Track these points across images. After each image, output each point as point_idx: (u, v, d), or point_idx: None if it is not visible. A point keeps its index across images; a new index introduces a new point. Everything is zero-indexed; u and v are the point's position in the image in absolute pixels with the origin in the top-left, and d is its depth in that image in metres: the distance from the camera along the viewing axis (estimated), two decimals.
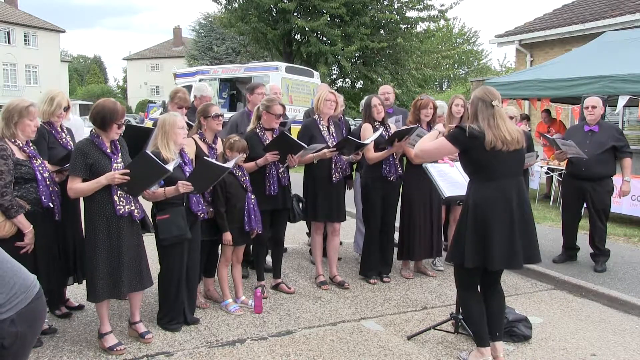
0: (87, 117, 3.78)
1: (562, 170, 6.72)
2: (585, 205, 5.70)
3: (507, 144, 3.20)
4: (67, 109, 4.01)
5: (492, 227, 3.22)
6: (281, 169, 4.59)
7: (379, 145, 4.81)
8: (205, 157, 4.01)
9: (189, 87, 14.80)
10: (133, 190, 3.45)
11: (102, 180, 3.33)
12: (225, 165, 3.88)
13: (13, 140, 3.44)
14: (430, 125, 5.19)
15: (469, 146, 3.25)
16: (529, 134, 4.75)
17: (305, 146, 4.49)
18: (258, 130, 4.59)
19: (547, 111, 10.30)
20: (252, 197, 4.30)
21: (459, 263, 3.37)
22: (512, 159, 3.27)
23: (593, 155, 5.36)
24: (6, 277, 1.87)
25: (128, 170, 3.36)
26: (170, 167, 3.44)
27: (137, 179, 3.38)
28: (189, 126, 4.32)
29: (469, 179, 3.47)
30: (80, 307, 4.22)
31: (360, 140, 4.82)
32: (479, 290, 3.48)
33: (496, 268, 3.28)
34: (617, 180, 5.67)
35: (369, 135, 4.86)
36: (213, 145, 4.30)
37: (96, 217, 3.41)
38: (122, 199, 3.42)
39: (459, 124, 3.45)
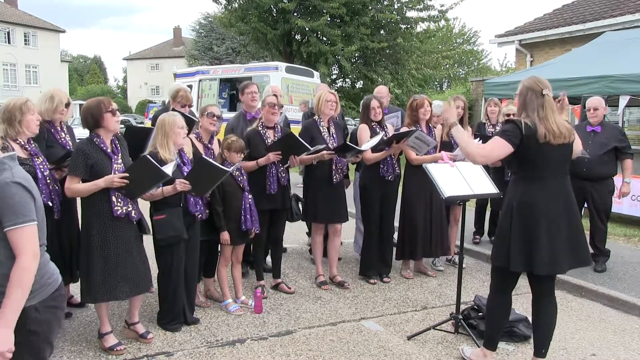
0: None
1: None
2: (585, 205, 5.70)
3: (556, 137, 3.03)
4: (67, 104, 4.03)
5: (540, 229, 3.06)
6: (281, 169, 4.59)
7: (377, 146, 4.82)
8: (203, 156, 4.00)
9: (188, 87, 14.78)
10: (131, 193, 3.44)
11: (101, 183, 3.32)
12: (224, 168, 3.86)
13: (15, 139, 3.45)
14: (428, 124, 5.19)
15: (523, 143, 3.05)
16: None
17: (310, 148, 4.49)
18: (260, 129, 4.60)
19: None
20: (250, 196, 4.31)
21: (504, 266, 3.18)
22: (560, 155, 3.11)
23: (595, 156, 5.35)
24: (40, 268, 2.07)
25: (127, 174, 3.35)
26: (169, 171, 3.42)
27: (136, 182, 3.37)
28: (189, 120, 4.32)
29: (511, 177, 3.27)
30: (82, 305, 4.21)
31: (357, 139, 4.83)
32: (511, 295, 3.38)
33: (543, 272, 3.11)
34: (617, 180, 5.66)
35: (365, 136, 4.87)
36: (209, 145, 4.30)
37: (93, 217, 3.40)
38: (119, 199, 3.42)
39: (511, 118, 3.26)
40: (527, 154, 3.08)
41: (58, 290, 2.19)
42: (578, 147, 3.35)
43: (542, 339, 3.30)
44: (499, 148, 3.08)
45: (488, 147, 3.14)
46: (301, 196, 5.02)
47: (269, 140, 4.54)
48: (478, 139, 5.23)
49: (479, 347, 3.57)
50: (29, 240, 2.01)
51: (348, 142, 4.76)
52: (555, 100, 3.29)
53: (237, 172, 4.27)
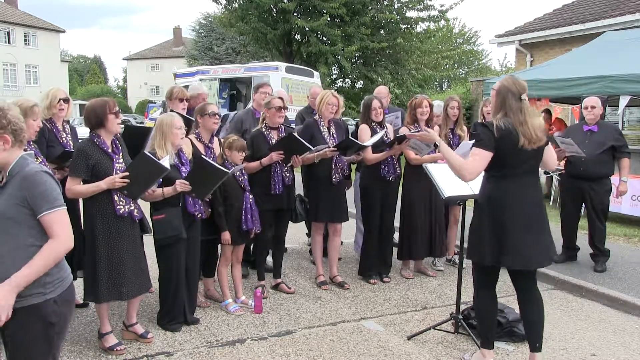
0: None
1: (562, 170, 6.72)
2: (584, 205, 5.70)
3: (533, 142, 3.08)
4: (66, 100, 4.03)
5: (510, 224, 3.12)
6: (285, 169, 4.59)
7: (378, 147, 4.82)
8: (202, 156, 3.99)
9: (188, 88, 14.78)
10: (133, 193, 3.44)
11: (102, 185, 3.32)
12: (224, 169, 3.85)
13: None
14: (428, 124, 5.19)
15: (497, 145, 3.09)
16: None
17: (311, 148, 4.49)
18: (264, 130, 4.60)
19: (548, 111, 10.32)
20: (250, 196, 4.31)
21: (477, 261, 3.27)
22: (532, 156, 3.16)
23: (592, 155, 5.36)
24: (59, 262, 2.18)
25: (127, 173, 3.35)
26: (166, 164, 3.43)
27: (136, 180, 3.37)
28: (187, 121, 4.31)
29: (482, 175, 3.30)
30: (85, 305, 4.21)
31: (357, 140, 4.82)
32: (495, 290, 3.40)
33: (515, 266, 3.18)
34: (614, 179, 5.67)
35: (366, 136, 4.86)
36: (210, 145, 4.30)
37: (96, 217, 3.40)
38: (122, 199, 3.42)
39: (484, 121, 3.27)
40: (499, 155, 3.12)
41: (71, 285, 2.29)
42: (553, 160, 3.38)
43: (535, 334, 3.34)
44: (482, 159, 3.11)
45: (471, 164, 3.13)
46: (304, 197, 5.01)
47: (273, 141, 4.55)
48: None
49: (479, 347, 3.57)
50: (63, 222, 2.13)
51: (350, 137, 4.76)
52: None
53: (238, 172, 4.27)
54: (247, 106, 5.36)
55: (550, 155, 3.35)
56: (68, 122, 4.21)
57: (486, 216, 3.22)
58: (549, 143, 3.30)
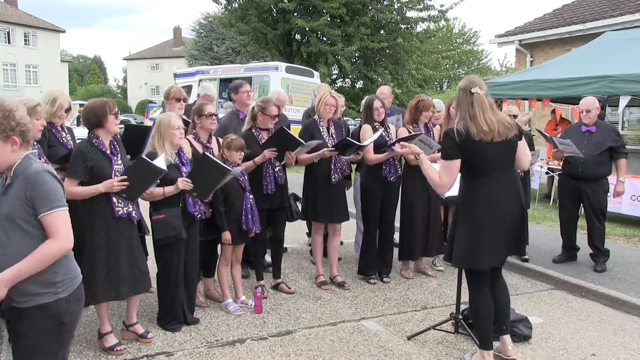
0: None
1: (560, 170, 6.72)
2: (582, 205, 5.70)
3: (486, 134, 3.07)
4: (68, 110, 4.05)
5: (480, 225, 3.17)
6: (277, 167, 4.59)
7: (380, 147, 4.81)
8: (206, 153, 3.99)
9: (188, 87, 14.78)
10: (131, 195, 3.44)
11: (100, 188, 3.31)
12: (226, 166, 3.85)
13: None
14: (427, 126, 5.20)
15: (461, 148, 3.13)
16: (527, 132, 4.78)
17: (303, 142, 4.49)
18: (254, 130, 4.59)
19: (554, 111, 10.34)
20: (251, 196, 4.31)
21: (449, 263, 3.37)
22: (499, 152, 3.16)
23: (591, 156, 5.36)
24: (69, 261, 2.24)
25: (126, 177, 3.35)
26: (162, 164, 3.43)
27: (134, 183, 3.37)
28: (186, 123, 4.31)
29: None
30: (85, 305, 4.20)
31: (360, 140, 4.82)
32: (489, 290, 3.42)
33: (484, 268, 3.24)
34: (611, 179, 5.67)
35: (368, 136, 4.86)
36: (208, 145, 4.29)
37: (94, 218, 3.39)
38: (120, 200, 3.42)
39: (446, 130, 3.32)
40: (467, 157, 3.15)
41: (81, 284, 2.32)
42: (524, 159, 3.36)
43: (502, 317, 3.41)
44: (451, 170, 3.17)
45: (443, 176, 3.19)
46: (299, 195, 5.02)
47: (263, 141, 4.54)
48: None
49: (479, 347, 3.57)
50: (63, 223, 2.13)
51: (348, 138, 4.75)
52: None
53: (239, 172, 4.27)
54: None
55: (523, 153, 3.35)
56: (77, 117, 4.22)
57: (459, 216, 3.28)
58: (522, 139, 3.31)
